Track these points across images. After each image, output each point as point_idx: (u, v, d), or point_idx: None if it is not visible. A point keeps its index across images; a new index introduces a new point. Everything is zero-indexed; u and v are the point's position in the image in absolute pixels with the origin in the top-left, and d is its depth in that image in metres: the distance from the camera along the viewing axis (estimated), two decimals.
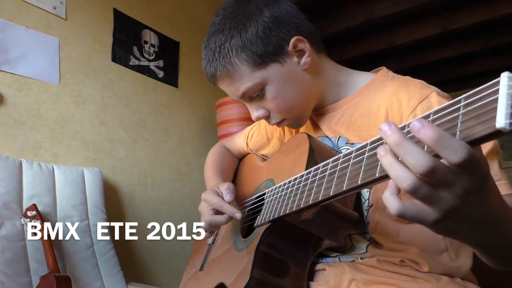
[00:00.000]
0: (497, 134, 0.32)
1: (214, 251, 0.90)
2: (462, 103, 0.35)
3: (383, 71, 0.80)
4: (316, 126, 0.85)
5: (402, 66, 3.76)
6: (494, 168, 0.61)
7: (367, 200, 0.70)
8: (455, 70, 4.04)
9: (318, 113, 0.83)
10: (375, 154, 0.42)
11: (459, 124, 0.35)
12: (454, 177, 0.37)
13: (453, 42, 3.55)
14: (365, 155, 0.45)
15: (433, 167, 0.36)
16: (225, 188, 0.80)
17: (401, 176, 0.37)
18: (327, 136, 0.80)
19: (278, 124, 0.80)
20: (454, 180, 0.37)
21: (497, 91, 0.32)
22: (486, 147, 0.61)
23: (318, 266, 0.74)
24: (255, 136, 1.03)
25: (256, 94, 0.75)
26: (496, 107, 0.31)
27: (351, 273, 0.68)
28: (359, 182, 0.45)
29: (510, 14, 2.91)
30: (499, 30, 3.39)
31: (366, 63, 2.78)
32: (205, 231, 0.84)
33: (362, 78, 0.81)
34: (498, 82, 0.32)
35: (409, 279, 0.67)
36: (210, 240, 0.94)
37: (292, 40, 0.73)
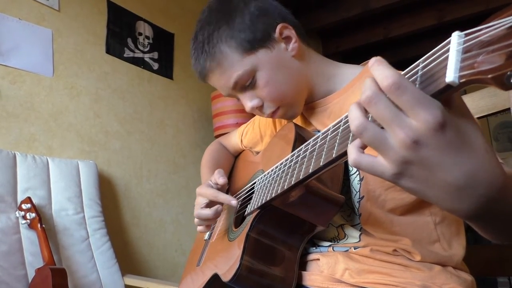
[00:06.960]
0: (448, 88, 0.34)
1: (211, 246, 0.91)
2: (420, 66, 0.37)
3: None
4: (307, 121, 0.85)
5: (398, 58, 3.75)
6: None
7: (358, 192, 0.70)
8: None
9: (308, 107, 0.84)
10: (349, 127, 0.42)
11: (417, 85, 0.37)
12: (398, 118, 0.35)
13: (449, 34, 3.55)
14: (340, 129, 0.47)
15: (375, 95, 0.36)
16: (216, 173, 0.83)
17: (353, 116, 0.38)
18: (319, 131, 0.81)
19: (273, 114, 0.80)
20: (398, 121, 0.35)
21: (448, 50, 0.34)
22: None
23: (312, 256, 0.74)
24: (249, 133, 1.05)
25: (248, 83, 0.75)
26: (447, 64, 0.33)
27: (345, 262, 0.69)
28: (333, 156, 0.46)
29: (505, 6, 2.91)
30: None
31: (362, 55, 2.78)
32: (197, 225, 0.86)
33: (350, 71, 0.81)
34: (449, 42, 0.34)
35: (402, 268, 0.68)
36: (206, 236, 0.96)
37: (278, 27, 0.76)
